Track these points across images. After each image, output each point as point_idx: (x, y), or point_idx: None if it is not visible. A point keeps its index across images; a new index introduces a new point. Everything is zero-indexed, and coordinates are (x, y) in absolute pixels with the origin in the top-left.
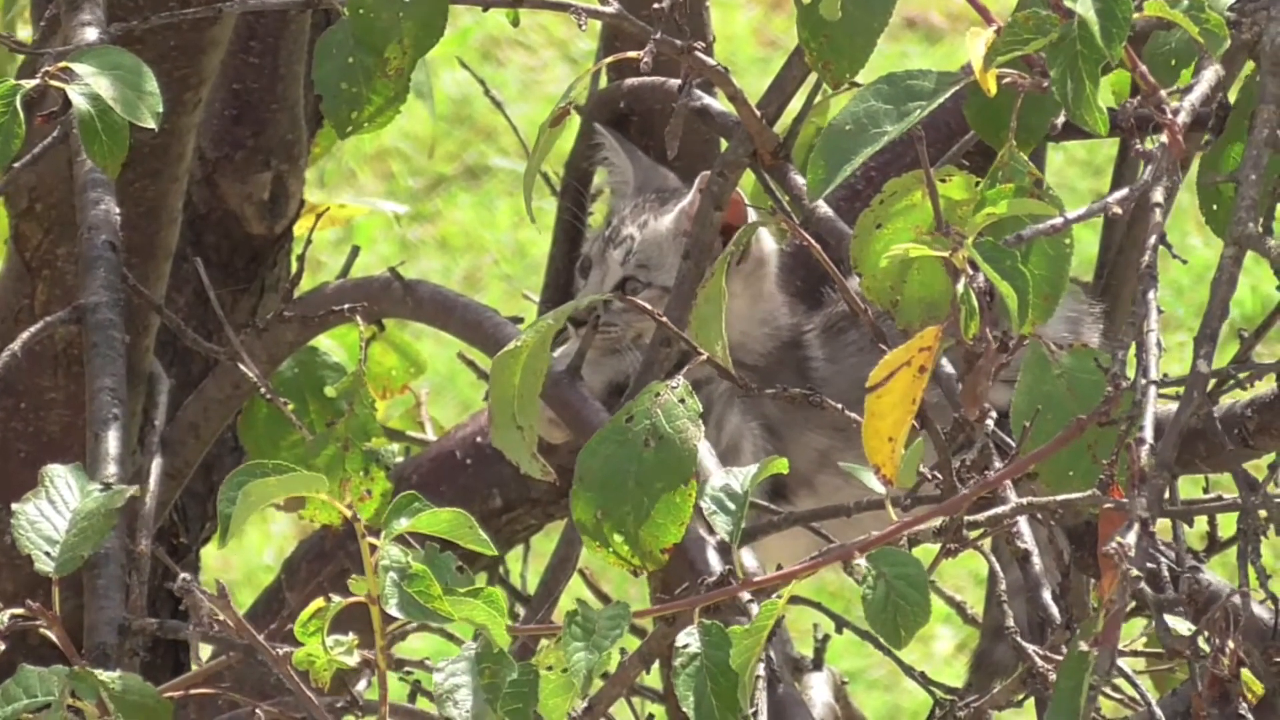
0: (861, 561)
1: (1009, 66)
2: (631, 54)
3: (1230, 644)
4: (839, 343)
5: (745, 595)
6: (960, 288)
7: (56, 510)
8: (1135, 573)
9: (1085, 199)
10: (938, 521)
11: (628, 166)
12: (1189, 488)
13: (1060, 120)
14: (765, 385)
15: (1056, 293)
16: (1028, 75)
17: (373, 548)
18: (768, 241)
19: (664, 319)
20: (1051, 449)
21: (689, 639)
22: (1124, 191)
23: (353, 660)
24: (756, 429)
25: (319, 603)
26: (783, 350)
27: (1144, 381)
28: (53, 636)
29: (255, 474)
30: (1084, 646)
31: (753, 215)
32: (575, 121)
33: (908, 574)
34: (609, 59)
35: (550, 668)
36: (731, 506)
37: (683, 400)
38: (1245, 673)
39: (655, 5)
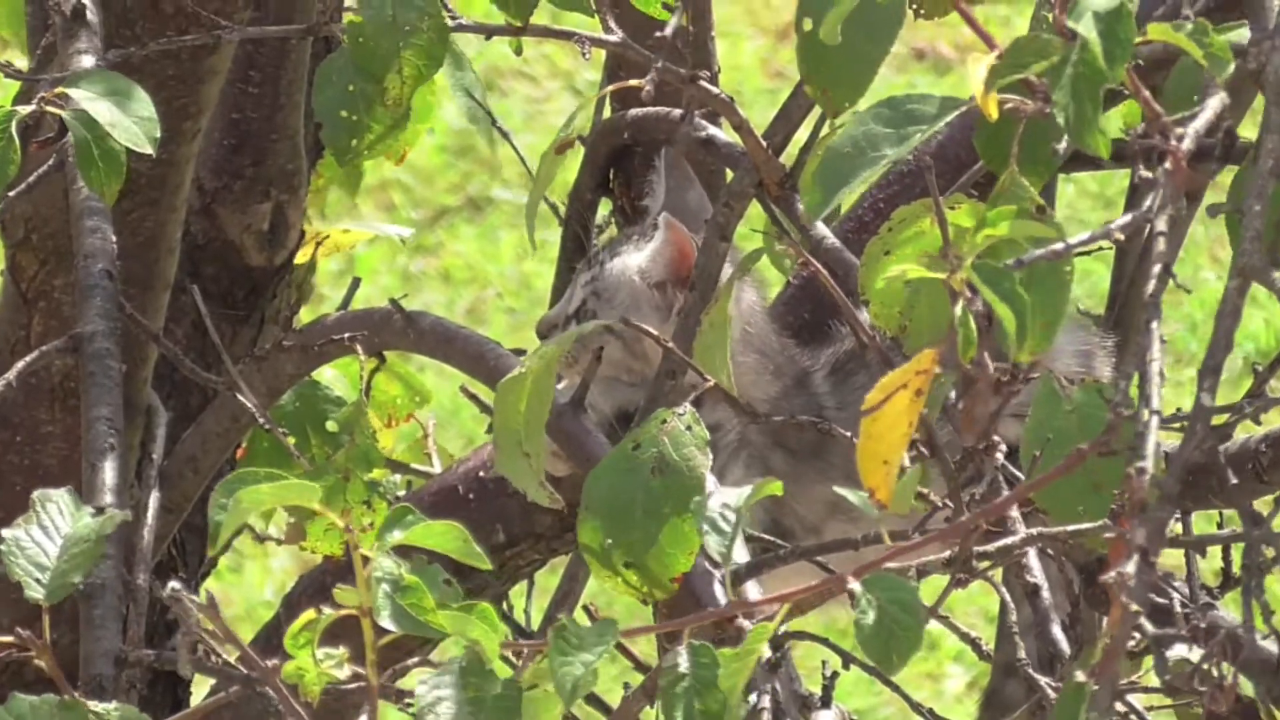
0: (855, 586)
1: (1012, 92)
2: (634, 82)
3: (1228, 679)
4: (848, 386)
5: (745, 623)
6: (958, 311)
7: (48, 536)
8: (1135, 606)
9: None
10: (946, 552)
11: (659, 194)
12: (1204, 524)
13: (1063, 146)
14: (777, 434)
15: (1056, 319)
16: (1030, 100)
17: (365, 559)
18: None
19: (669, 344)
20: (1052, 477)
21: (677, 659)
22: (1126, 218)
23: (343, 673)
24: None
25: (310, 614)
26: (788, 397)
27: (1146, 412)
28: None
29: (247, 481)
30: (1081, 677)
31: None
32: (579, 151)
33: (900, 598)
34: (611, 87)
35: (535, 685)
36: (726, 527)
37: (689, 428)
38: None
39: (658, 34)
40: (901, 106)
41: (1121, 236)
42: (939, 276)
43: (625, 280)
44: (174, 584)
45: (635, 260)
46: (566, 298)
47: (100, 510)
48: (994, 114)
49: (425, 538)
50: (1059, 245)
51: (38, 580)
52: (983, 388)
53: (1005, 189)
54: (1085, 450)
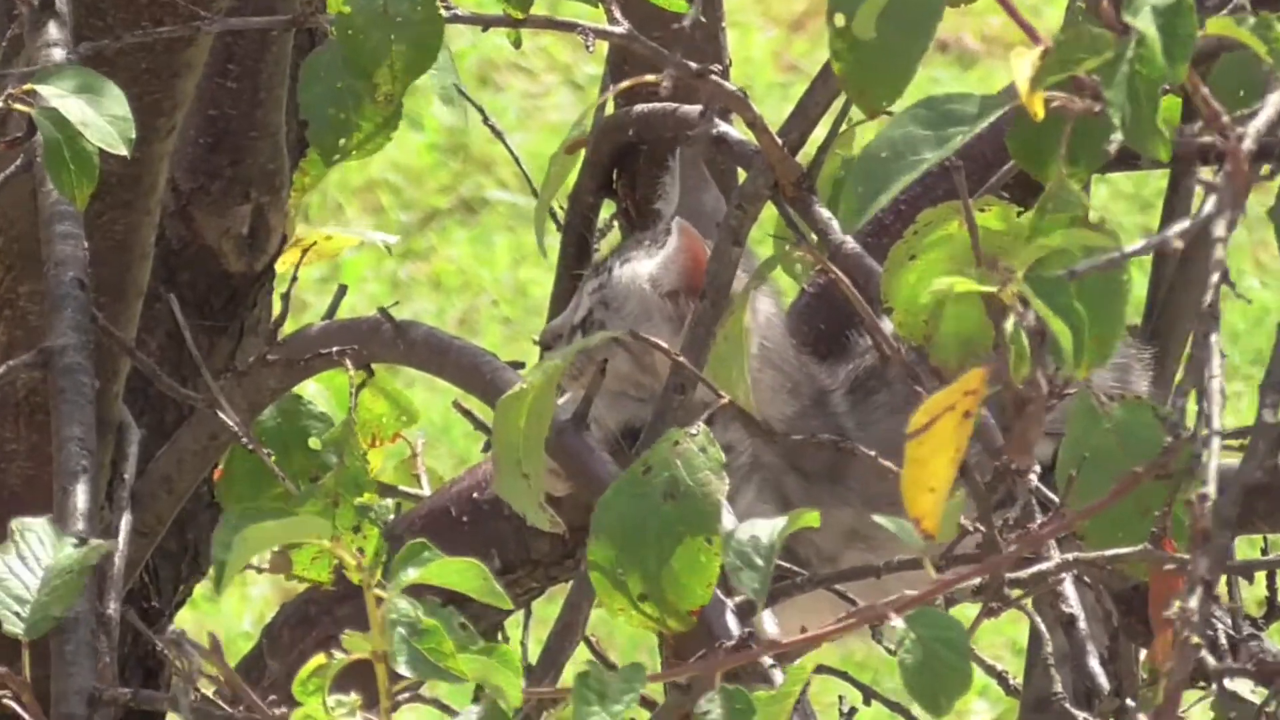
0: (897, 623)
1: (1057, 89)
2: (650, 77)
3: None
4: (869, 405)
5: (767, 660)
6: (1009, 326)
7: (27, 567)
8: (1196, 640)
9: (1133, 235)
10: (977, 580)
11: (672, 196)
12: (1245, 548)
13: (1113, 147)
14: (792, 457)
15: (1113, 333)
16: (1078, 98)
17: (379, 600)
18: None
19: (679, 357)
20: (1104, 504)
21: (710, 705)
22: (1184, 224)
23: None
24: (770, 510)
25: (320, 659)
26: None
27: (1206, 432)
28: (18, 708)
29: (252, 518)
30: None
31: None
32: (582, 152)
33: (947, 636)
34: (626, 84)
35: None
36: (759, 562)
37: (704, 449)
38: None
39: (675, 26)
40: (940, 106)
41: (1180, 244)
42: (989, 290)
43: (635, 289)
44: (175, 629)
45: (646, 268)
46: (572, 306)
47: (83, 541)
48: (1040, 113)
49: (442, 576)
50: (1114, 254)
51: (17, 614)
52: (1036, 410)
53: (1054, 194)
54: (1140, 474)
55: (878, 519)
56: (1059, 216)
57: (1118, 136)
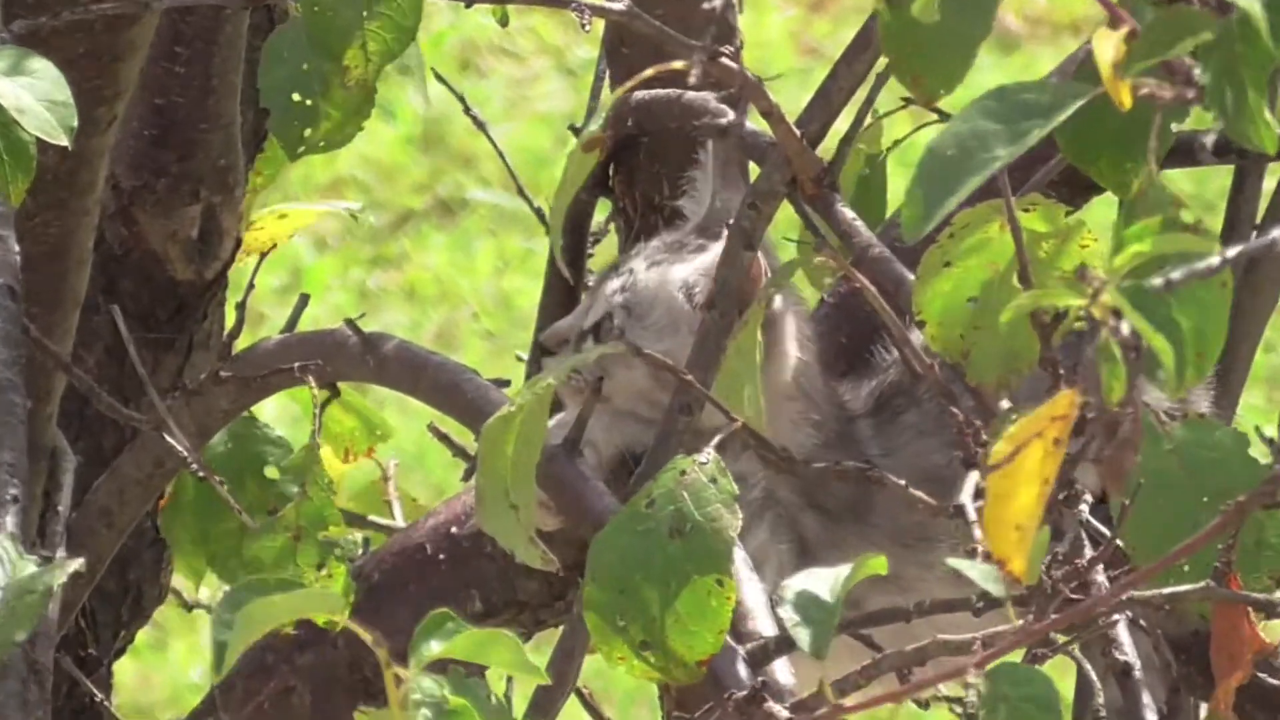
0: (977, 680)
1: (1146, 74)
2: (678, 64)
3: None
4: (896, 428)
5: (776, 709)
6: (1101, 341)
7: None
8: None
9: None
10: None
11: (704, 194)
12: None
13: (1211, 139)
14: (816, 487)
15: (1213, 348)
16: (1169, 85)
17: (398, 678)
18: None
19: (688, 376)
20: (1203, 540)
21: None
22: None
23: None
24: (785, 550)
25: None
26: (828, 450)
27: None
28: None
29: (256, 591)
30: None
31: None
32: (569, 144)
33: (1035, 694)
34: (649, 72)
35: None
36: (819, 615)
37: (714, 480)
38: None
39: (706, 5)
40: (1012, 97)
41: None
42: (1078, 303)
43: (665, 296)
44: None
45: (679, 272)
46: (583, 308)
47: (47, 559)
48: (1128, 102)
49: (469, 650)
50: (1214, 259)
51: None
52: (1132, 435)
53: (1143, 194)
54: (1245, 503)
55: (956, 563)
56: (1151, 221)
57: (1216, 128)
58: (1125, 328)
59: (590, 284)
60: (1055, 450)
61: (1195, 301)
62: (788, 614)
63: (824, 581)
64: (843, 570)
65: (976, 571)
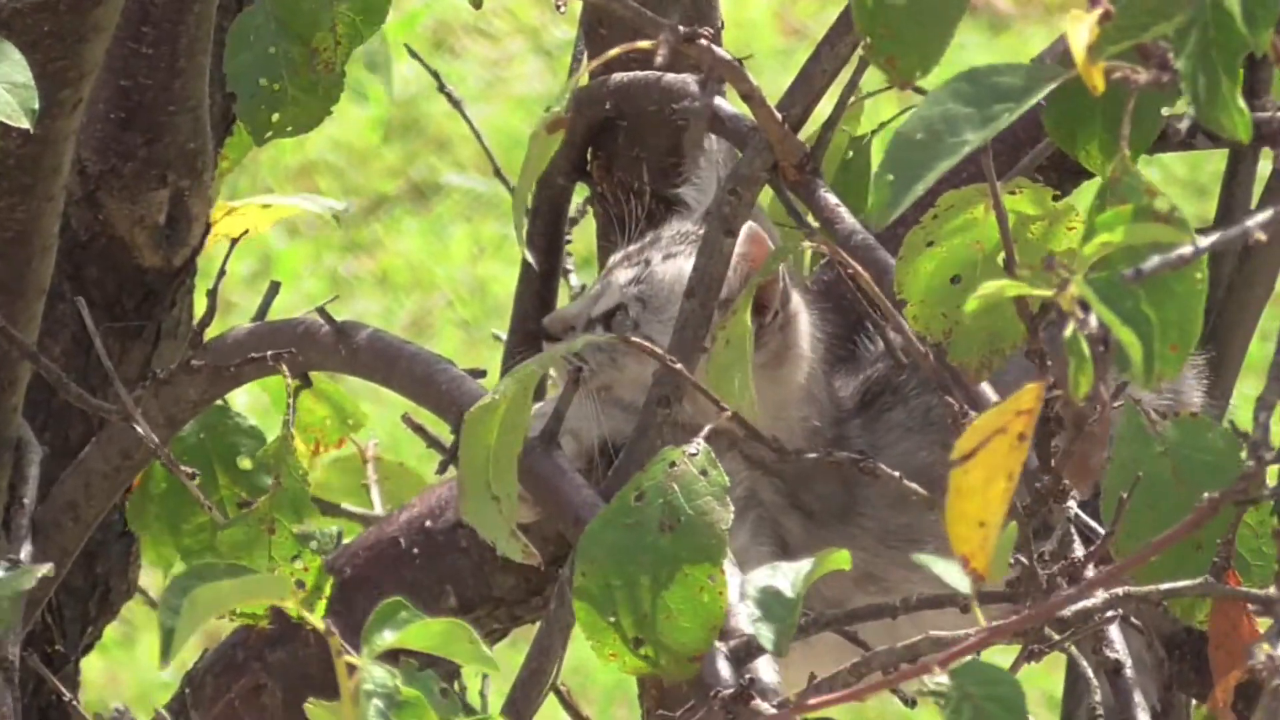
0: (942, 678)
1: (1118, 58)
2: (645, 44)
3: None
4: (881, 425)
5: (762, 705)
6: (1069, 335)
7: None
8: None
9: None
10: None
11: (708, 183)
12: None
13: (1185, 124)
14: (800, 488)
15: (1187, 342)
16: (1143, 69)
17: (350, 668)
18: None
19: (678, 366)
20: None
21: None
22: (1268, 213)
23: None
24: (767, 554)
25: None
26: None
27: None
28: None
29: (203, 577)
30: None
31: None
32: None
33: (1000, 694)
34: (614, 51)
35: None
36: (780, 612)
37: (705, 472)
38: None
39: None
40: (984, 80)
41: (1264, 236)
42: (1042, 294)
43: (681, 290)
44: (118, 705)
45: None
46: (593, 294)
47: (14, 563)
48: (1100, 86)
49: (423, 639)
50: (1187, 249)
51: None
52: (1100, 431)
53: (1115, 181)
54: (1216, 500)
55: (923, 559)
56: (1123, 209)
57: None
58: (1093, 320)
59: (571, 268)
60: (1019, 445)
61: (1167, 292)
62: (749, 610)
63: (786, 577)
64: (805, 565)
65: (941, 568)
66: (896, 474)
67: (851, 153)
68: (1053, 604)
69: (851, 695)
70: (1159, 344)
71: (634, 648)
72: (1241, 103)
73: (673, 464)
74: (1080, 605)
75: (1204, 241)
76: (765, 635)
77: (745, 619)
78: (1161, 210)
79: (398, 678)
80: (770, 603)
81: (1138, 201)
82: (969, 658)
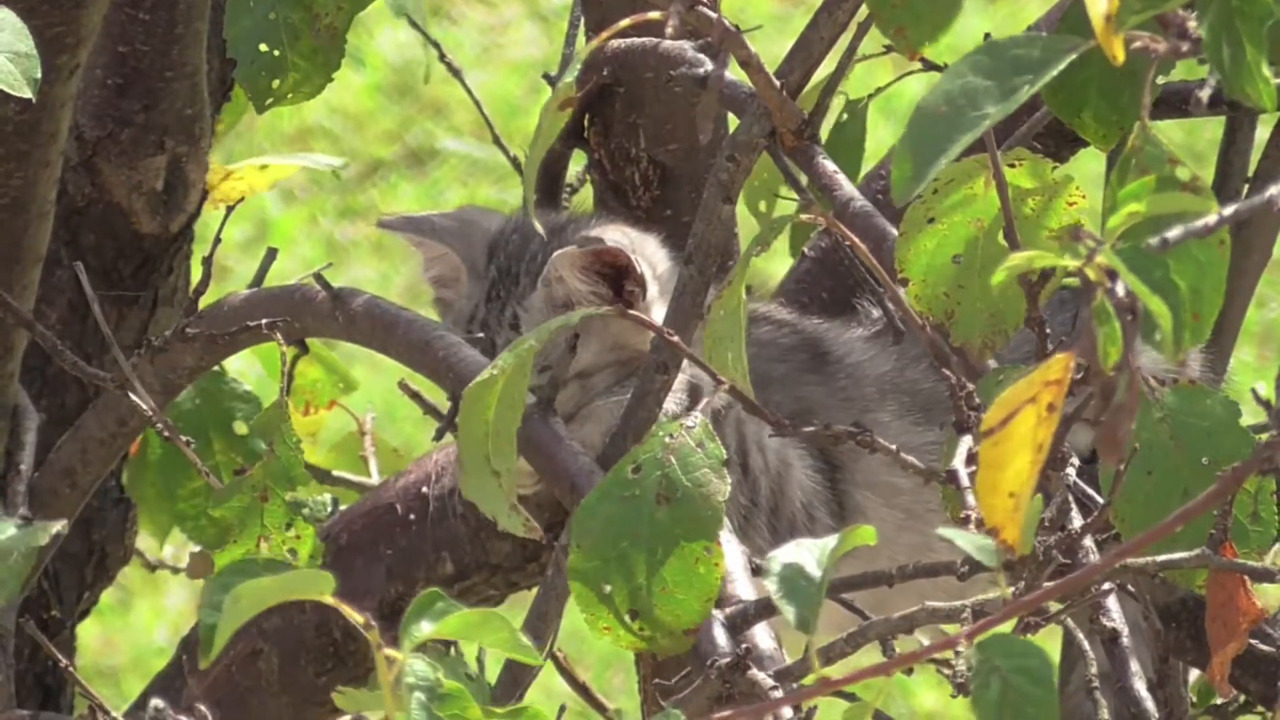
0: (968, 651)
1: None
2: (654, 15)
3: None
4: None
5: (759, 675)
6: (1098, 304)
7: None
8: None
9: None
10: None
11: (449, 250)
12: None
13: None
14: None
15: (1211, 310)
16: (1162, 38)
17: (389, 660)
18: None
19: (676, 339)
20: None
21: None
22: None
23: None
24: (805, 453)
25: None
26: None
27: None
28: None
29: (244, 573)
30: None
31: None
32: (544, 95)
33: (1027, 666)
34: (625, 22)
35: None
36: (806, 588)
37: (701, 444)
38: None
39: None
40: (1003, 53)
41: None
42: (1073, 264)
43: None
44: (156, 702)
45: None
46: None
47: (27, 520)
48: (1120, 56)
49: (462, 630)
50: (1211, 218)
51: None
52: (1129, 402)
53: (1137, 150)
54: (1240, 470)
55: (947, 533)
56: (1146, 179)
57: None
58: (1121, 290)
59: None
60: (1049, 416)
61: (1192, 261)
62: (773, 585)
63: (810, 553)
64: (830, 541)
65: (967, 541)
66: (893, 447)
67: (846, 115)
68: (1082, 572)
69: (879, 670)
70: (1186, 313)
71: (628, 621)
72: (1267, 71)
73: (670, 436)
74: (1077, 574)
75: (1228, 210)
76: (789, 612)
77: (747, 585)
78: (1184, 179)
79: (439, 670)
80: (795, 578)
81: (1160, 171)
82: (996, 631)
